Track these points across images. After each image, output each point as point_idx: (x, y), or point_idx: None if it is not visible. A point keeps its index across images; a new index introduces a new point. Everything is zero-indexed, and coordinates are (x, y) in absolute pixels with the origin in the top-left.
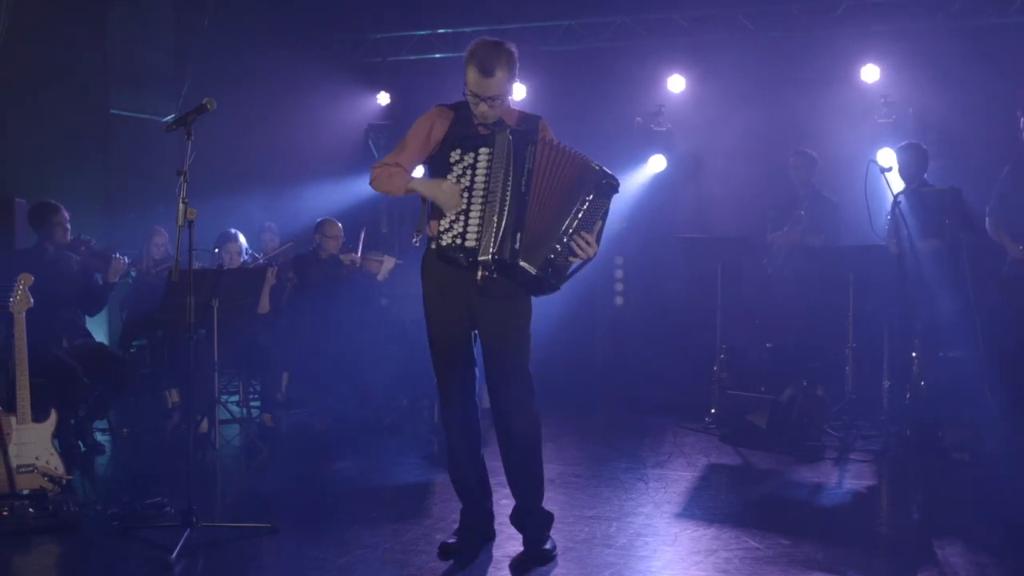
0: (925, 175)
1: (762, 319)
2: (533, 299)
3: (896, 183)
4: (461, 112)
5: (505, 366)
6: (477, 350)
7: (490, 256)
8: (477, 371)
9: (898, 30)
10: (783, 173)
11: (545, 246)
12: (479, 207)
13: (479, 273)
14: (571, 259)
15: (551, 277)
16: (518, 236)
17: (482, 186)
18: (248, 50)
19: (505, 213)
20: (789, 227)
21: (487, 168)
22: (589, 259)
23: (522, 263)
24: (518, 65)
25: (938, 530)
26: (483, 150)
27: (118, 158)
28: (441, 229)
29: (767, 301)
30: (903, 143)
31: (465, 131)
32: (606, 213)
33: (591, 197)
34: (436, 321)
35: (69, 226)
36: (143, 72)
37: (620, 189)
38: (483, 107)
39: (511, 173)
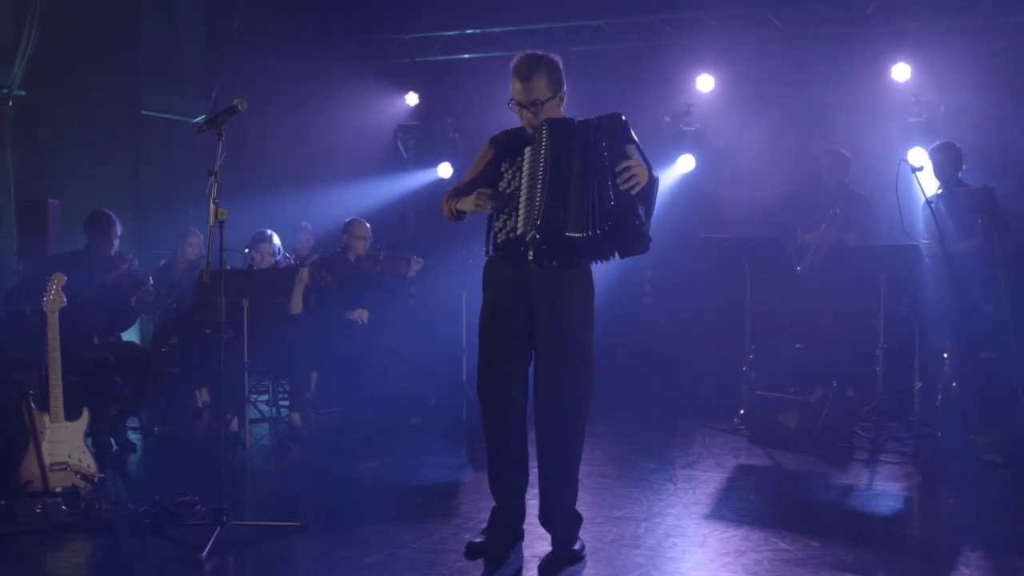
0: (960, 174)
1: (791, 320)
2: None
3: (928, 182)
4: (516, 132)
5: (562, 367)
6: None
7: (535, 231)
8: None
9: (929, 28)
10: (814, 173)
11: (587, 207)
12: (524, 198)
13: (530, 255)
14: (632, 192)
15: (626, 223)
16: (561, 210)
17: (527, 180)
18: (277, 52)
19: (546, 190)
20: (826, 226)
21: (531, 163)
22: (649, 179)
23: (569, 233)
24: (561, 75)
25: (969, 533)
26: (527, 150)
27: (149, 159)
28: (496, 230)
29: (796, 301)
30: (936, 143)
31: (515, 143)
32: (624, 139)
33: (603, 139)
34: (489, 324)
35: (118, 241)
36: (174, 74)
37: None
38: (526, 114)
39: (550, 156)
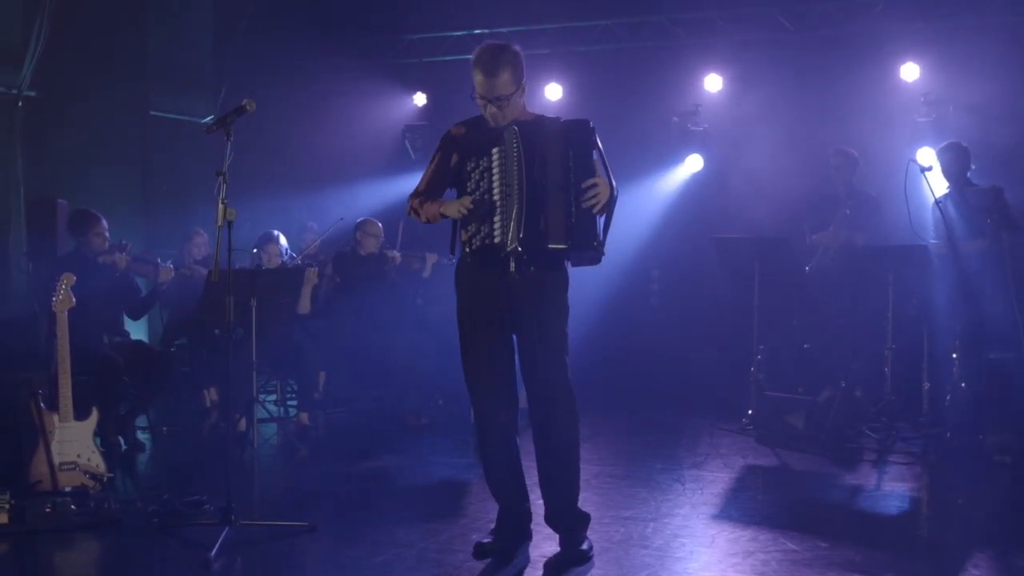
0: (968, 174)
1: (799, 320)
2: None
3: (936, 182)
4: (475, 124)
5: (543, 365)
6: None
7: (517, 243)
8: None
9: (938, 28)
10: (821, 173)
11: (563, 218)
12: (500, 204)
13: (512, 265)
14: (594, 211)
15: (583, 244)
16: (541, 220)
17: (499, 183)
18: (286, 52)
19: (524, 200)
20: (835, 227)
21: (501, 165)
22: (611, 199)
23: (551, 245)
24: (523, 66)
25: (978, 534)
26: (495, 150)
27: (157, 160)
28: (470, 235)
29: (804, 302)
30: (944, 143)
31: (478, 139)
32: (591, 150)
33: (571, 150)
34: (469, 329)
35: (107, 234)
36: (182, 75)
37: (597, 132)
38: (492, 109)
39: (523, 162)
